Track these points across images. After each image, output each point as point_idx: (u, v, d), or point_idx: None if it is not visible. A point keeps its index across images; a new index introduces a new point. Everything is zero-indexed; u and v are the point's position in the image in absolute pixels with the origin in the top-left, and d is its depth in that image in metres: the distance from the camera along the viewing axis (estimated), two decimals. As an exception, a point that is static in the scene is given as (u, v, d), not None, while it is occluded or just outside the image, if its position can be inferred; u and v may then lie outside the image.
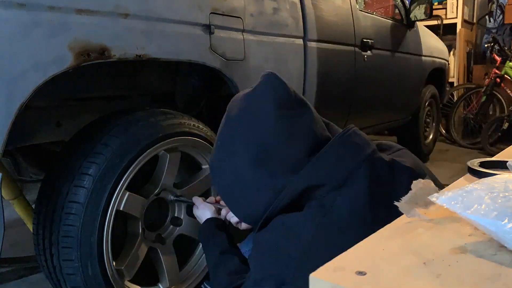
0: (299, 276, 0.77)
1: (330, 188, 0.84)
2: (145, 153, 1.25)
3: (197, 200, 1.29)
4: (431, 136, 3.78)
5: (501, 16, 5.44)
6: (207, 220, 1.20)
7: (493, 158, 0.87)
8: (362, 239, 0.53)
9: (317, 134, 0.90)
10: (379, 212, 0.80)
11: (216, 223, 1.18)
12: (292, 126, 0.89)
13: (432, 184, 0.60)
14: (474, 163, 0.80)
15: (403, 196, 0.59)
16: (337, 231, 0.80)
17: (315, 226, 0.80)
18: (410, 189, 0.59)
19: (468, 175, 0.79)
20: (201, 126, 1.45)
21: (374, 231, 0.56)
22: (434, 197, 0.53)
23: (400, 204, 0.58)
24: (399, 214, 0.59)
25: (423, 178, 0.71)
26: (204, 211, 1.23)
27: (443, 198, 0.52)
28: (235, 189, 0.94)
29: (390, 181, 0.86)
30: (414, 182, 0.61)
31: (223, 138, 0.96)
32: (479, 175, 0.71)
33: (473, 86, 4.69)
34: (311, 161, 0.86)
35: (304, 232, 0.81)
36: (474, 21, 5.34)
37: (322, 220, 0.81)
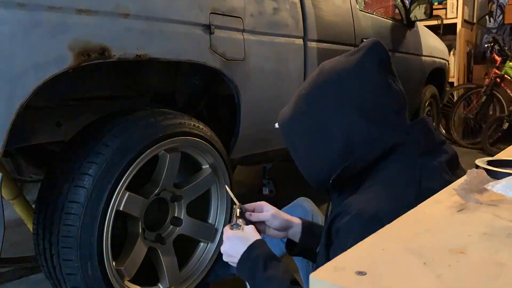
0: None
1: (420, 152, 0.87)
2: (145, 153, 1.25)
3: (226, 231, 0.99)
4: (431, 136, 3.78)
5: (501, 16, 5.44)
6: (251, 248, 0.93)
7: (496, 157, 0.87)
8: None
9: (406, 101, 0.98)
10: None
11: (266, 247, 0.94)
12: (390, 86, 0.95)
13: (485, 173, 0.66)
14: (481, 162, 0.80)
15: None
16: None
17: (417, 183, 0.82)
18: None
19: (470, 173, 0.78)
20: (201, 126, 1.45)
21: None
22: (490, 185, 0.59)
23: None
24: None
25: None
26: (241, 238, 0.95)
27: (498, 186, 0.57)
28: (318, 138, 0.93)
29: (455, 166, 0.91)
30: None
31: (313, 91, 0.97)
32: (493, 174, 0.71)
33: (473, 86, 4.69)
34: (409, 124, 0.92)
35: (409, 187, 0.81)
36: (474, 21, 5.34)
37: (420, 176, 0.82)
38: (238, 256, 0.92)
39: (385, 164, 0.87)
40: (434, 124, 1.00)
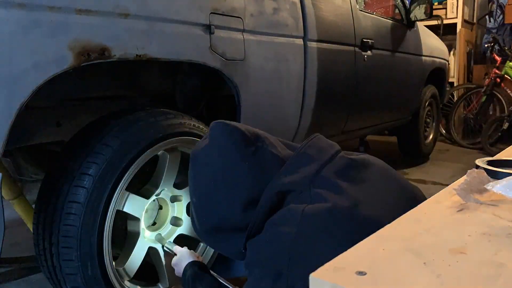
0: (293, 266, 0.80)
1: (300, 191, 0.88)
2: (145, 153, 1.25)
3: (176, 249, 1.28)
4: (431, 136, 3.78)
5: (501, 16, 5.44)
6: (190, 264, 1.18)
7: (496, 157, 0.87)
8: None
9: (280, 156, 0.97)
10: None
11: (199, 265, 1.18)
12: (258, 160, 0.95)
13: (485, 173, 0.67)
14: (482, 162, 0.80)
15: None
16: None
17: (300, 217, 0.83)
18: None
19: (470, 173, 0.78)
20: (201, 126, 1.45)
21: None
22: (489, 186, 0.59)
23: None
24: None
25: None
26: (183, 255, 1.22)
27: (498, 187, 0.58)
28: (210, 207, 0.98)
29: (357, 174, 0.92)
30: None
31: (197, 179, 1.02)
32: (493, 174, 0.71)
33: (473, 86, 4.69)
34: (278, 173, 0.93)
35: (292, 223, 0.83)
36: (474, 21, 5.34)
37: (306, 210, 0.84)
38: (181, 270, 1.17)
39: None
40: (323, 139, 1.03)
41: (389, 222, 0.59)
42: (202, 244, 1.57)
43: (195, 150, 1.03)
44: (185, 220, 1.48)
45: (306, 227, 0.80)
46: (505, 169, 0.74)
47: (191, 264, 1.17)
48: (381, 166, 0.99)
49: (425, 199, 0.78)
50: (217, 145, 0.97)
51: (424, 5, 2.95)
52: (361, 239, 0.53)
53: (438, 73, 3.62)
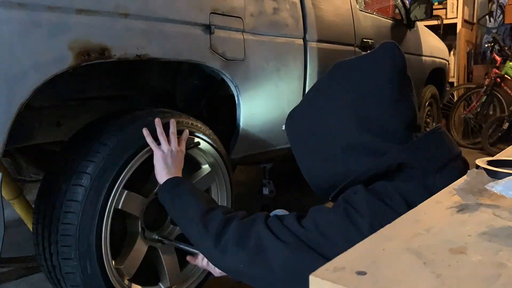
0: None
1: (428, 172, 0.83)
2: (142, 152, 1.25)
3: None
4: (431, 136, 3.78)
5: (501, 16, 5.44)
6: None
7: (496, 157, 0.87)
8: None
9: (417, 113, 0.91)
10: None
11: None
12: (401, 96, 0.88)
13: (485, 173, 0.66)
14: (482, 162, 0.80)
15: None
16: None
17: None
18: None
19: (470, 173, 0.78)
20: (199, 125, 1.45)
21: None
22: (490, 186, 0.58)
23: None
24: None
25: None
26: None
27: (498, 187, 0.57)
28: (322, 147, 0.90)
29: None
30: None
31: (320, 91, 0.93)
32: (493, 174, 0.71)
33: (473, 86, 4.69)
34: (418, 140, 0.85)
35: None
36: (474, 21, 5.34)
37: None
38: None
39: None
40: (448, 135, 0.92)
41: None
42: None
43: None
44: (185, 220, 1.48)
45: None
46: (505, 169, 0.74)
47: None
48: None
49: None
50: (378, 56, 0.91)
51: (424, 5, 2.95)
52: None
53: (438, 73, 3.62)
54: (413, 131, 0.87)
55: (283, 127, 1.00)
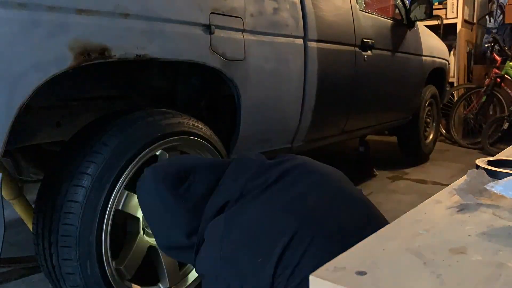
0: None
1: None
2: (143, 153, 1.25)
3: None
4: (431, 136, 3.78)
5: (501, 16, 5.44)
6: None
7: (496, 157, 0.87)
8: None
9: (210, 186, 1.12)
10: None
11: None
12: (191, 195, 1.10)
13: (485, 173, 0.67)
14: (482, 162, 0.80)
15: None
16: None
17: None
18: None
19: (470, 173, 0.78)
20: (200, 126, 1.45)
21: None
22: (490, 186, 0.59)
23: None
24: None
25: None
26: None
27: (498, 187, 0.58)
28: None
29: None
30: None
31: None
32: (493, 174, 0.71)
33: (473, 86, 4.68)
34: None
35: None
36: (474, 21, 5.33)
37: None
38: None
39: None
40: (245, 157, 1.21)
41: None
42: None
43: (138, 189, 1.18)
44: (185, 220, 1.48)
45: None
46: (505, 169, 0.75)
47: None
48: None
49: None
50: (151, 191, 1.13)
51: (424, 5, 2.95)
52: None
53: (438, 73, 3.62)
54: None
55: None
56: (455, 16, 4.93)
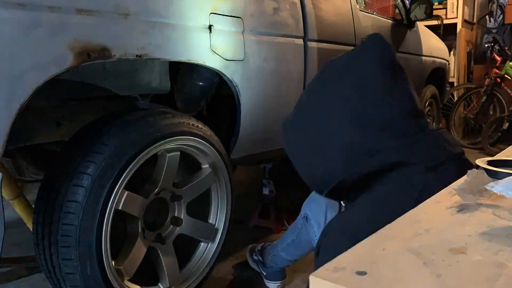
0: None
1: (423, 169, 0.81)
2: (143, 153, 1.25)
3: None
4: (431, 136, 3.78)
5: (501, 16, 5.44)
6: None
7: (496, 157, 0.87)
8: None
9: (415, 99, 0.90)
10: None
11: None
12: (393, 86, 0.87)
13: (485, 173, 0.66)
14: (482, 162, 0.80)
15: None
16: None
17: (412, 202, 0.71)
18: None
19: (470, 173, 0.78)
20: (200, 126, 1.45)
21: None
22: (490, 186, 0.59)
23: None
24: None
25: None
26: None
27: (499, 187, 0.58)
28: (318, 146, 0.90)
29: None
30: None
31: (312, 92, 0.94)
32: (493, 174, 0.71)
33: (473, 86, 4.68)
34: (410, 140, 0.84)
35: (405, 207, 0.71)
36: (475, 21, 5.33)
37: (418, 198, 0.75)
38: None
39: (385, 180, 0.83)
40: (446, 136, 0.91)
41: None
42: (202, 243, 1.57)
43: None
44: (185, 220, 1.48)
45: None
46: (505, 169, 0.75)
47: None
48: None
49: None
50: (364, 51, 0.93)
51: (424, 5, 2.95)
52: None
53: (438, 73, 3.62)
54: (413, 118, 0.86)
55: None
56: (455, 16, 4.93)
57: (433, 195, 0.74)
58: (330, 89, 0.90)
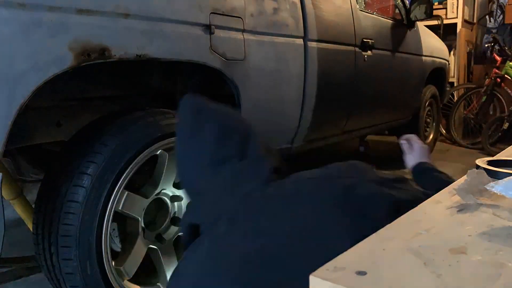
0: None
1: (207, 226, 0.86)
2: (143, 153, 1.25)
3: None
4: (431, 136, 3.78)
5: (501, 16, 5.44)
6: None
7: (496, 157, 0.87)
8: None
9: (219, 142, 1.00)
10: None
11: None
12: (195, 134, 1.02)
13: (485, 173, 0.67)
14: (482, 162, 0.80)
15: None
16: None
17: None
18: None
19: (470, 173, 0.78)
20: (201, 126, 1.44)
21: None
22: (490, 186, 0.59)
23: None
24: None
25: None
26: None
27: (498, 187, 0.58)
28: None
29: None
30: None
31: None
32: (493, 174, 0.71)
33: (473, 86, 4.68)
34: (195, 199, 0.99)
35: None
36: (475, 21, 5.33)
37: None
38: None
39: None
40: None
41: None
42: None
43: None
44: (185, 220, 1.48)
45: None
46: (505, 169, 0.75)
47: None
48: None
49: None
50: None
51: (424, 5, 2.95)
52: None
53: (438, 73, 3.62)
54: (221, 163, 0.96)
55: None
56: (455, 16, 4.93)
57: None
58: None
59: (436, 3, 4.86)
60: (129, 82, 1.58)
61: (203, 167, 0.97)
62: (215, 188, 0.93)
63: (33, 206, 1.40)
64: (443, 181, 1.01)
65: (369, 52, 2.41)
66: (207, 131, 0.99)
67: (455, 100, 4.76)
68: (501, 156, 0.95)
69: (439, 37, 3.99)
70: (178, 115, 1.09)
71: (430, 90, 3.54)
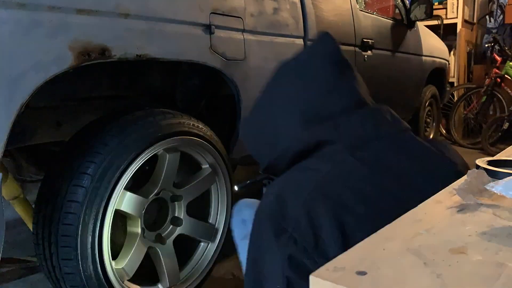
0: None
1: (343, 147, 0.82)
2: (144, 153, 1.25)
3: None
4: (431, 136, 3.78)
5: (501, 16, 5.44)
6: None
7: (496, 157, 0.87)
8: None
9: (360, 94, 0.93)
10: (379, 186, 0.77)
11: None
12: (336, 81, 0.91)
13: (485, 173, 0.66)
14: (482, 162, 0.80)
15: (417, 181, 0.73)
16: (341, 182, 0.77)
17: (321, 176, 0.77)
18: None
19: (470, 173, 0.78)
20: (200, 126, 1.45)
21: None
22: (490, 186, 0.59)
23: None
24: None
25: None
26: None
27: (499, 187, 0.58)
28: (266, 135, 0.95)
29: (408, 164, 0.82)
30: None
31: (267, 90, 1.00)
32: (493, 174, 0.71)
33: (473, 86, 4.68)
34: (339, 120, 0.86)
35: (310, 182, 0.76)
36: (475, 21, 5.33)
37: (330, 172, 0.78)
38: None
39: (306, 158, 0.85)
40: (382, 113, 0.92)
41: None
42: (202, 243, 1.57)
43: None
44: (185, 220, 1.48)
45: None
46: (505, 169, 0.75)
47: None
48: None
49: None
50: (312, 50, 1.00)
51: (424, 5, 2.95)
52: None
53: (438, 73, 3.62)
54: (355, 112, 0.88)
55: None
56: (455, 16, 4.93)
57: (350, 173, 0.77)
58: (281, 88, 0.96)
59: (436, 3, 4.86)
60: (129, 82, 1.58)
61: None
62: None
63: (33, 206, 1.40)
64: None
65: (369, 52, 2.41)
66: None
67: (455, 100, 4.76)
68: (501, 156, 0.95)
69: (439, 37, 3.99)
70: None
71: (430, 90, 3.54)
